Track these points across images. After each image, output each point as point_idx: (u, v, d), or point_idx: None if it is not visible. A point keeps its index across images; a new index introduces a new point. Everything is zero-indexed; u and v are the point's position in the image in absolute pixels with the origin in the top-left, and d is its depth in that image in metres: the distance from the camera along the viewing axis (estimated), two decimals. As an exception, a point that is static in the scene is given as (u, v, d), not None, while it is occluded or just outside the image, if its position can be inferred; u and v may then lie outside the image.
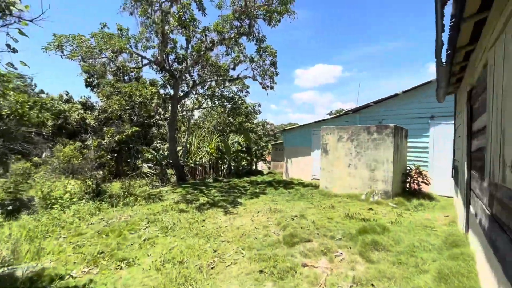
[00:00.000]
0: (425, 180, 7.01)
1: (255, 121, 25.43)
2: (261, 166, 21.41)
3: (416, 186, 7.08)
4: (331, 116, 11.38)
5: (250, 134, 19.54)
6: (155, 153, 12.60)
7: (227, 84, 14.86)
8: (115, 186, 9.41)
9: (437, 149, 8.09)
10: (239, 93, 16.14)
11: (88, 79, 15.67)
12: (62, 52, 7.93)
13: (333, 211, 5.86)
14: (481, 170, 2.61)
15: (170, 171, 13.00)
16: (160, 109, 15.49)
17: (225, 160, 14.16)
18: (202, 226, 5.17)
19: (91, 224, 5.41)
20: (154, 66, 12.08)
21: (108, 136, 10.45)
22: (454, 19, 2.49)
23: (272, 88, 12.88)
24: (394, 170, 6.44)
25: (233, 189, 9.50)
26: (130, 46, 10.06)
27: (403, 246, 3.70)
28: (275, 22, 10.38)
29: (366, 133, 6.75)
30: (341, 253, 3.71)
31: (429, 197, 6.98)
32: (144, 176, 12.35)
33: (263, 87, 13.09)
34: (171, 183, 11.43)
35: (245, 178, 12.61)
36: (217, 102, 16.81)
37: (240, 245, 4.11)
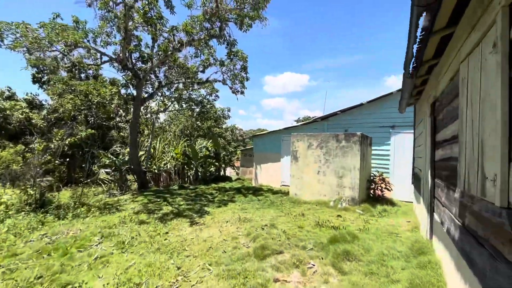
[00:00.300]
0: (387, 187, 7.35)
1: (224, 126, 25.03)
2: (229, 172, 21.04)
3: (379, 192, 7.38)
4: (301, 123, 11.55)
5: (219, 139, 19.11)
6: (114, 158, 11.57)
7: (195, 87, 14.37)
8: (65, 195, 8.36)
9: (397, 156, 8.59)
10: (208, 96, 15.71)
11: (36, 74, 13.96)
12: (2, 41, 6.88)
13: (303, 219, 5.79)
14: (449, 179, 2.67)
15: (130, 177, 12.04)
16: (121, 111, 14.37)
17: (191, 166, 13.56)
18: (165, 240, 4.72)
19: (30, 241, 4.62)
20: (115, 64, 11.19)
21: (57, 138, 9.30)
22: (424, 32, 2.54)
23: (242, 93, 12.71)
24: (360, 177, 6.62)
25: (199, 197, 9.03)
26: (88, 41, 9.15)
27: (373, 255, 3.70)
28: (247, 26, 10.29)
29: (335, 141, 6.88)
30: (313, 265, 3.59)
31: (391, 202, 7.31)
32: (100, 183, 11.23)
33: (233, 92, 12.87)
34: (132, 190, 10.55)
35: (213, 185, 12.17)
36: (184, 105, 16.15)
37: (207, 260, 3.78)
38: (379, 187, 7.42)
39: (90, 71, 14.32)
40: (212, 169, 15.05)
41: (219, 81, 12.68)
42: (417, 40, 2.54)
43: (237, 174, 18.66)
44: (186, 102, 15.51)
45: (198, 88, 15.04)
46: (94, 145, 13.14)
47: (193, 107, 16.09)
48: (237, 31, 15.81)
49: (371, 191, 7.57)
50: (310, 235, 4.72)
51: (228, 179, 14.96)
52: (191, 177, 13.76)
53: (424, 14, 2.22)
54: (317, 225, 5.23)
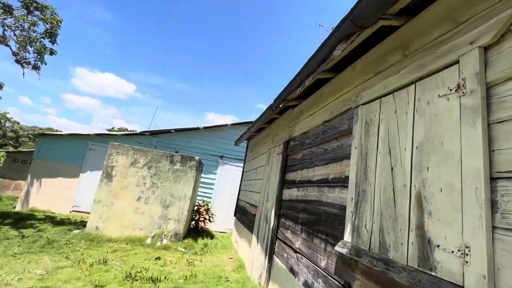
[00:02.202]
0: (211, 218, 7.03)
1: (-18, 109, 15.77)
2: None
3: (202, 224, 6.87)
4: (122, 133, 9.27)
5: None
6: None
7: None
8: None
9: (221, 186, 8.75)
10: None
11: None
12: None
13: (105, 268, 3.93)
14: (313, 225, 2.46)
15: None
16: None
17: None
18: None
19: None
20: None
21: None
22: (321, 66, 2.36)
23: (36, 68, 8.59)
24: (189, 207, 5.80)
25: None
26: None
27: (209, 320, 2.83)
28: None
29: (169, 162, 5.73)
30: None
31: (210, 235, 6.99)
32: None
33: (18, 61, 8.41)
34: None
35: None
36: None
37: None
38: (203, 218, 6.93)
39: None
40: None
41: (-8, 34, 7.83)
42: (317, 70, 2.30)
43: (-11, 188, 11.77)
44: None
45: None
46: None
47: None
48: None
49: (193, 223, 6.92)
50: (117, 299, 3.09)
51: (-37, 195, 8.87)
52: None
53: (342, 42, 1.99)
54: (127, 279, 3.64)
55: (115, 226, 5.35)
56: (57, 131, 37.01)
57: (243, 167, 7.23)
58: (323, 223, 2.30)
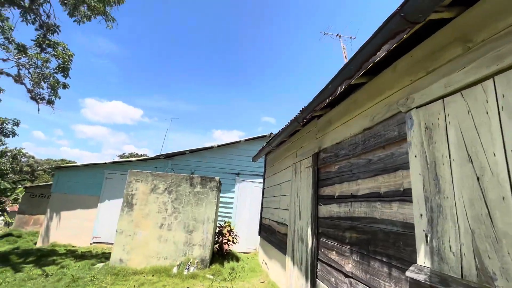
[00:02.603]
0: (234, 239, 6.74)
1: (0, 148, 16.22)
2: (-9, 221, 13.29)
3: (227, 246, 6.59)
4: (137, 159, 9.23)
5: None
6: None
7: None
8: None
9: (240, 205, 8.50)
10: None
11: None
12: None
13: (136, 305, 3.70)
14: (367, 246, 2.20)
15: None
16: None
17: None
18: None
19: None
20: None
21: None
22: (359, 69, 2.20)
23: (51, 103, 8.76)
24: (213, 231, 5.57)
25: None
26: None
27: None
28: (82, 17, 7.53)
29: (189, 185, 5.57)
30: None
31: (236, 257, 6.68)
32: None
33: (33, 98, 8.62)
34: None
35: None
36: None
37: None
38: (226, 240, 6.66)
39: None
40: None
41: (9, 75, 8.08)
42: (361, 70, 2.13)
43: (8, 225, 11.85)
44: None
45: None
46: None
47: None
48: (63, 15, 11.74)
49: (218, 246, 6.64)
50: None
51: (-15, 235, 8.88)
52: None
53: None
54: (160, 316, 3.39)
55: (139, 257, 5.14)
56: (70, 162, 37.77)
57: (263, 183, 7.00)
58: (381, 244, 2.04)
